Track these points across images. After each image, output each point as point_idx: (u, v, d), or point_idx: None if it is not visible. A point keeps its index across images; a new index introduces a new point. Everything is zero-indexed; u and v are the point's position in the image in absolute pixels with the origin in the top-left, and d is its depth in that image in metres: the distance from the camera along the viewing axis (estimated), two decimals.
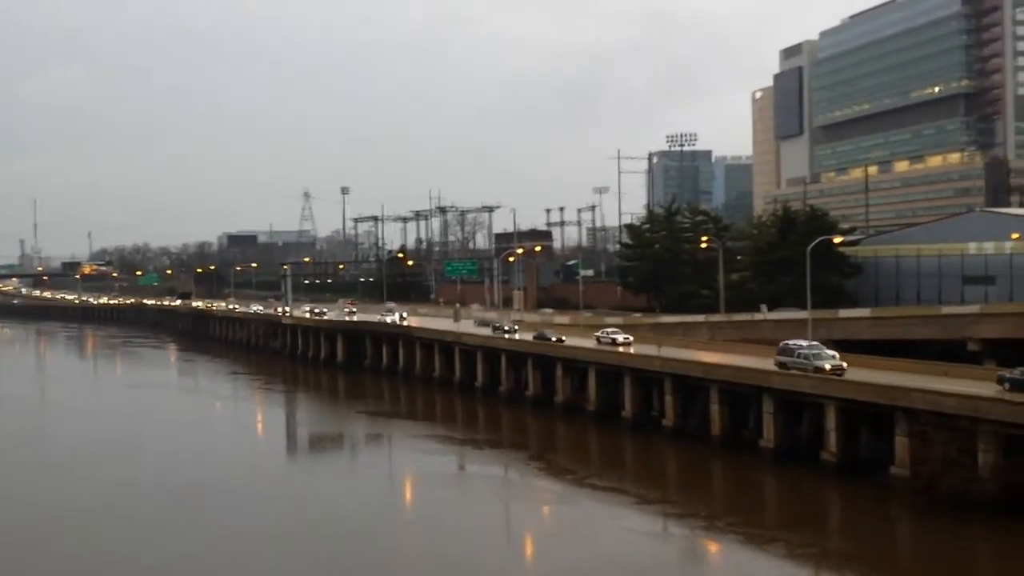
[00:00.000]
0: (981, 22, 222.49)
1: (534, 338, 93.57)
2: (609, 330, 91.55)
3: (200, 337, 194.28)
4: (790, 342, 66.35)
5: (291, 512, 54.44)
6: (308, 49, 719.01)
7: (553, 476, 63.41)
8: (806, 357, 62.25)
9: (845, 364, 61.76)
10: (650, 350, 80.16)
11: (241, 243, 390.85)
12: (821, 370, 60.63)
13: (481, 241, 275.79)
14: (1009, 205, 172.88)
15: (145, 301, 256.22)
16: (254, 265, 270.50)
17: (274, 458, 74.68)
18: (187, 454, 73.73)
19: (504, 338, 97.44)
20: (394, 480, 65.85)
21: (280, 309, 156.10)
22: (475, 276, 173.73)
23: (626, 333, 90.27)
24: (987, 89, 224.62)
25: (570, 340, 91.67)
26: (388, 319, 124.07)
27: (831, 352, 63.58)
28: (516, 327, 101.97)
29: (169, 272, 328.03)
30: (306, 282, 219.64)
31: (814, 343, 65.87)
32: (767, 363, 68.35)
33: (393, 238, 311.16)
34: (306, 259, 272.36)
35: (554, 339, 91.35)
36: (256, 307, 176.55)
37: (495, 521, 52.83)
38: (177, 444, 78.72)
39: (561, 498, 57.93)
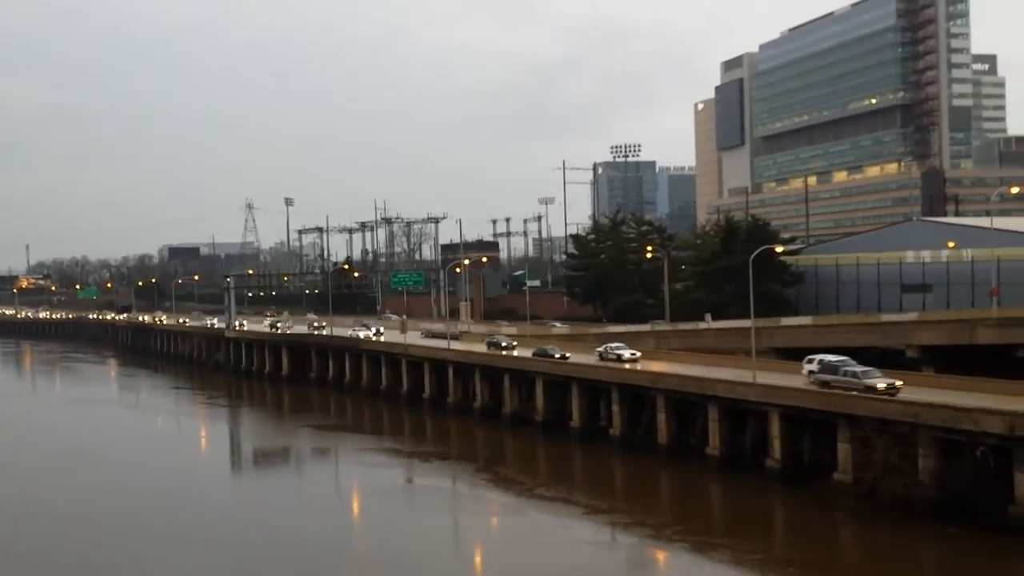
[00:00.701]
0: (916, 35, 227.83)
1: (534, 355, 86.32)
2: (613, 345, 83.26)
3: (141, 351, 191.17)
4: (831, 358, 61.62)
5: (235, 527, 53.66)
6: (252, 57, 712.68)
7: (501, 487, 63.33)
8: (855, 375, 57.19)
9: (899, 382, 55.79)
10: (594, 360, 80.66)
11: (182, 255, 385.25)
12: (873, 389, 54.77)
13: (428, 252, 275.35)
14: (945, 214, 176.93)
15: (85, 315, 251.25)
16: (196, 278, 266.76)
17: (218, 473, 73.61)
18: (127, 469, 72.37)
19: (453, 349, 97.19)
20: (341, 493, 65.26)
21: (237, 323, 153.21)
22: (421, 287, 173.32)
23: (633, 348, 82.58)
24: (922, 101, 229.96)
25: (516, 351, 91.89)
26: (361, 334, 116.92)
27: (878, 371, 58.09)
28: (515, 343, 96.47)
29: (109, 285, 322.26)
30: (249, 295, 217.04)
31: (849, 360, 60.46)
32: (713, 371, 69.07)
33: (339, 249, 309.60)
34: (249, 271, 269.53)
35: (557, 355, 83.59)
36: (211, 320, 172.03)
37: (443, 533, 52.60)
38: (117, 459, 77.21)
39: (509, 509, 57.87)
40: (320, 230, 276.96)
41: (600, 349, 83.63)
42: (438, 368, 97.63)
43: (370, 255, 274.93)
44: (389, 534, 51.32)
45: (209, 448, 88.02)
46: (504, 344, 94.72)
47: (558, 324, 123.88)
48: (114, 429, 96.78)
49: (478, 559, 47.03)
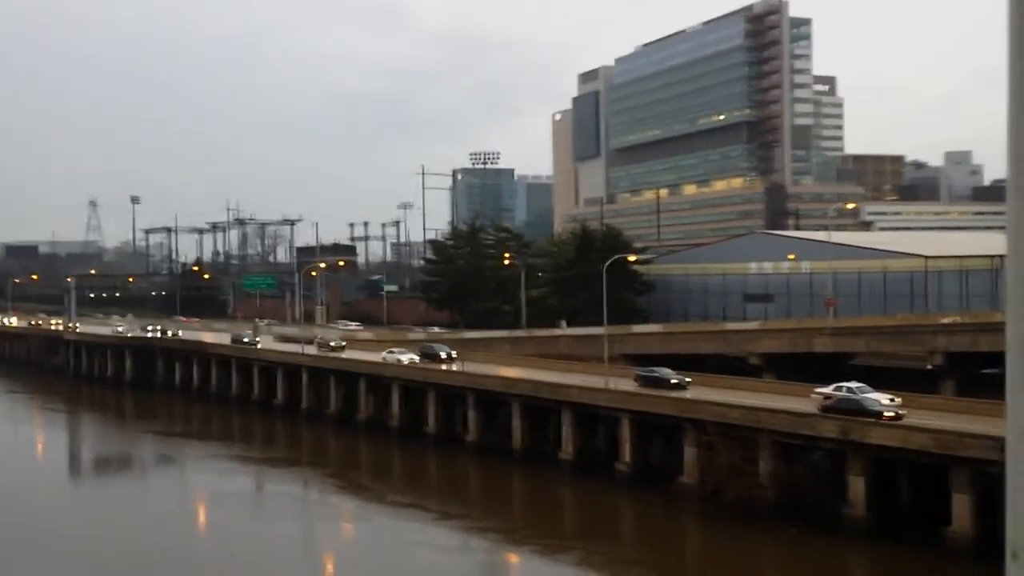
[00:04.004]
0: (761, 55, 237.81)
1: (422, 356, 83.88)
2: (434, 345, 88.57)
3: None
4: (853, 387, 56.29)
5: (74, 536, 51.10)
6: (103, 53, 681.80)
7: (354, 494, 62.59)
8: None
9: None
10: (454, 366, 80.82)
11: (20, 254, 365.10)
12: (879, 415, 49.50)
13: (283, 255, 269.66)
14: (786, 227, 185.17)
15: None
16: (34, 277, 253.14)
17: (55, 480, 69.96)
18: None
19: (307, 354, 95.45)
20: (187, 501, 63.09)
21: (72, 325, 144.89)
22: (275, 290, 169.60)
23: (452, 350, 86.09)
24: (767, 118, 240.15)
25: (368, 355, 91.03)
26: (245, 339, 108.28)
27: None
28: (344, 343, 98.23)
29: None
30: (91, 295, 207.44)
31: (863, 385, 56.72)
32: (567, 378, 70.21)
33: (189, 251, 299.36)
34: (92, 271, 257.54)
35: (444, 355, 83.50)
36: (55, 321, 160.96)
37: (293, 540, 51.58)
38: None
39: (361, 516, 57.26)
40: (169, 230, 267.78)
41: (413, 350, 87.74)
42: (291, 373, 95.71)
43: (221, 257, 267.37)
44: (236, 541, 49.97)
45: (46, 455, 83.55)
46: (333, 344, 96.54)
47: (352, 324, 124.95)
48: None
49: (329, 566, 46.32)
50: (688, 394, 60.96)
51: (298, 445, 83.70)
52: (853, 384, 56.89)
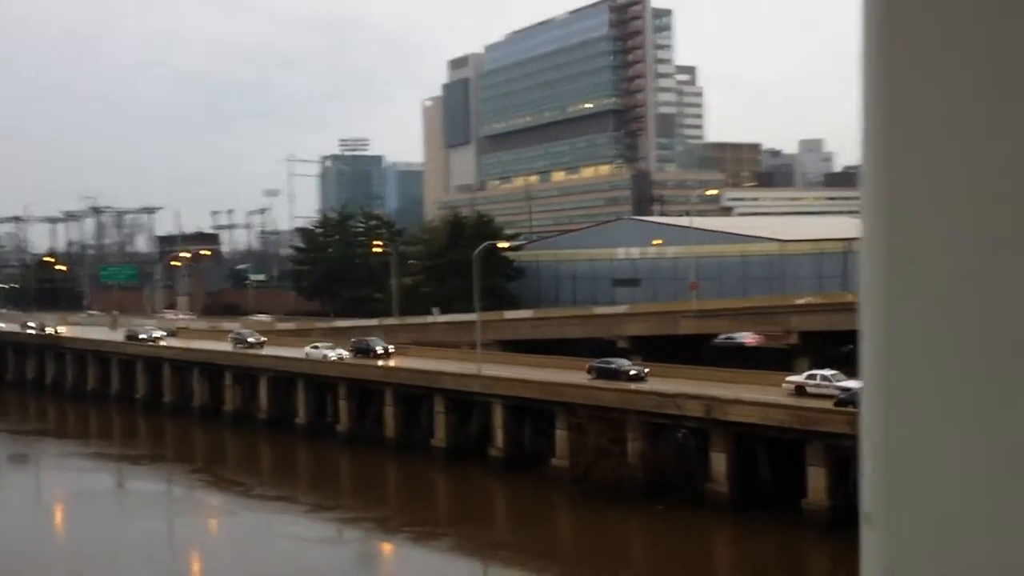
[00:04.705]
0: (626, 45, 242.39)
1: (355, 352, 78.01)
2: (242, 331, 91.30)
3: None
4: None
5: None
6: None
7: (221, 489, 61.03)
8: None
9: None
10: (291, 352, 79.45)
11: None
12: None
13: (143, 245, 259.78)
14: (652, 213, 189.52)
15: None
16: None
17: None
18: None
19: (169, 346, 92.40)
20: (42, 501, 60.29)
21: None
22: (135, 282, 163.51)
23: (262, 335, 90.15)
24: (632, 107, 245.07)
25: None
26: (142, 335, 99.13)
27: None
28: (163, 334, 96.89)
29: None
30: None
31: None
32: (441, 365, 70.11)
33: (41, 241, 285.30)
34: None
35: (380, 349, 77.79)
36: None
37: (156, 538, 49.92)
38: None
39: (229, 511, 55.89)
40: (18, 219, 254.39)
41: (233, 336, 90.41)
42: (152, 367, 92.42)
43: (76, 247, 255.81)
44: (96, 540, 48.03)
45: None
46: (143, 336, 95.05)
47: (182, 315, 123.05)
48: None
49: (195, 564, 45.07)
50: (646, 385, 57.86)
51: (162, 440, 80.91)
52: (827, 372, 55.30)
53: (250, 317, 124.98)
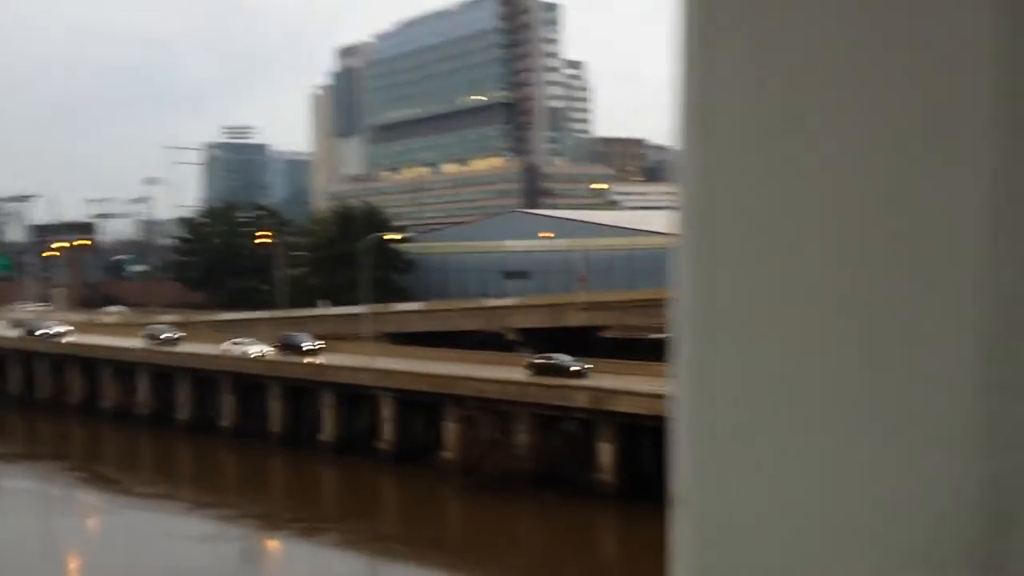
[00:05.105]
0: (515, 38, 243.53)
1: (282, 348, 73.84)
2: (298, 335, 76.70)
3: None
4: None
5: None
6: None
7: (99, 487, 59.03)
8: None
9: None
10: (208, 348, 77.45)
11: None
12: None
13: (18, 234, 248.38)
14: (541, 206, 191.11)
15: None
16: None
17: None
18: None
19: (39, 340, 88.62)
20: None
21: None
22: (9, 272, 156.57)
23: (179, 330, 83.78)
24: (522, 100, 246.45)
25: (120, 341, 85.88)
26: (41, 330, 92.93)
27: None
28: (178, 335, 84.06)
29: None
30: None
31: None
32: (331, 358, 69.23)
33: None
34: None
35: (306, 347, 73.13)
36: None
37: (29, 539, 47.98)
38: None
39: (107, 509, 54.16)
40: None
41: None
42: (25, 361, 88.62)
43: None
44: None
45: None
46: (41, 332, 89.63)
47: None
48: None
49: (72, 563, 43.52)
50: (589, 382, 55.64)
51: (34, 438, 77.82)
52: None
53: (108, 309, 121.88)
